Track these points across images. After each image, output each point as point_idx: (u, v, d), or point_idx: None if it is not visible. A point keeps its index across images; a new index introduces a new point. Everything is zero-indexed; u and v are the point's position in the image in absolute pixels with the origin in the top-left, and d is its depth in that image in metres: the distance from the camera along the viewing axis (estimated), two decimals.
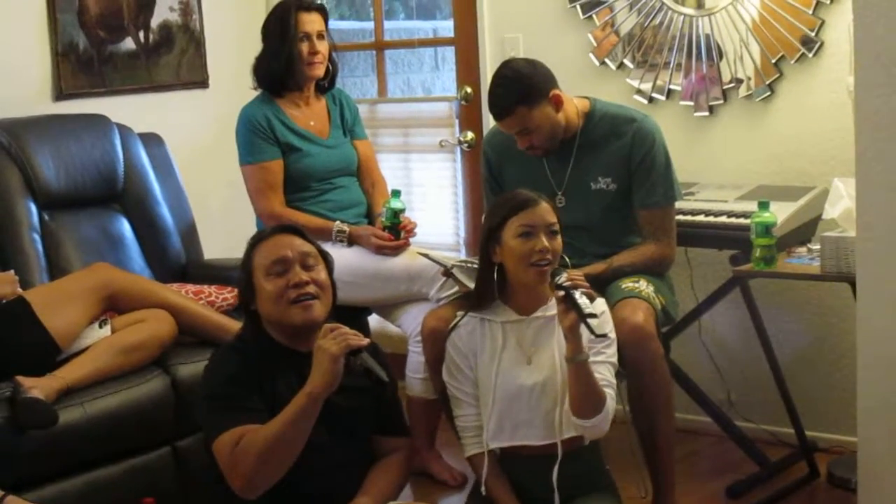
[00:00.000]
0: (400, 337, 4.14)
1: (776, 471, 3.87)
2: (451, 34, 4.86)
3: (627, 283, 3.42)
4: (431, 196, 4.97)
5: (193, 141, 4.85)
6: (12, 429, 3.10)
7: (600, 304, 3.01)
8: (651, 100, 4.22)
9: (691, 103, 4.15)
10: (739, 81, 4.04)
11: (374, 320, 4.28)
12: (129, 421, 3.36)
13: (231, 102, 4.35)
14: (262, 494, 2.72)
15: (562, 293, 2.84)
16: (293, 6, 4.09)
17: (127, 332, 3.49)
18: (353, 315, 3.92)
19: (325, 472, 2.80)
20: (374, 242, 3.96)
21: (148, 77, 4.76)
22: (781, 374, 3.87)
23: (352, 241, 4.02)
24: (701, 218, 3.77)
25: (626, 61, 4.27)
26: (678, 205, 3.66)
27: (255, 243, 2.93)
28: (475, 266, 3.27)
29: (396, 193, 4.06)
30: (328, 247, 3.72)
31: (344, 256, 3.88)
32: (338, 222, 4.04)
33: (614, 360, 3.03)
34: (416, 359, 3.87)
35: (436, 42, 6.17)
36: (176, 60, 4.85)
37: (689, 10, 4.10)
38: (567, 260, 3.08)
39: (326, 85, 4.24)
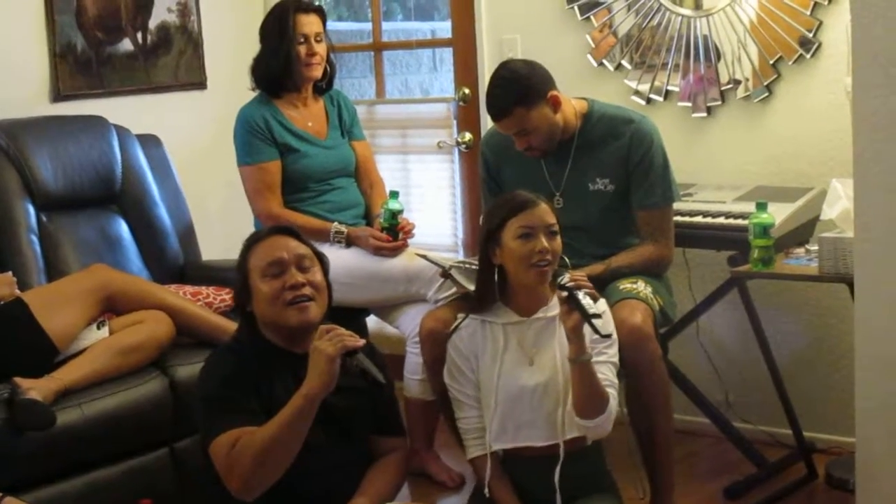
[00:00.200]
0: (398, 338, 4.13)
1: (774, 472, 3.87)
2: (449, 35, 4.86)
3: (625, 284, 3.42)
4: (429, 197, 4.97)
5: (191, 142, 4.85)
6: (10, 430, 3.10)
7: (602, 305, 3.01)
8: (649, 101, 4.22)
9: (689, 104, 4.15)
10: (737, 82, 4.04)
11: (372, 321, 4.28)
12: (127, 422, 3.36)
13: (229, 103, 4.35)
14: (259, 496, 2.72)
15: (565, 294, 2.84)
16: (291, 7, 4.09)
17: (125, 333, 3.49)
18: (351, 316, 3.92)
19: (322, 473, 2.80)
20: (372, 243, 3.96)
21: (146, 78, 4.76)
22: (779, 374, 3.87)
23: (350, 242, 4.02)
24: (699, 219, 3.77)
25: (624, 62, 4.27)
26: (676, 206, 3.66)
27: (250, 245, 2.92)
28: (473, 267, 3.27)
29: (394, 194, 4.06)
30: (326, 248, 3.73)
31: (342, 257, 3.89)
32: (336, 223, 4.04)
33: (616, 360, 3.03)
34: (414, 360, 3.87)
35: (434, 43, 6.17)
36: (174, 62, 4.85)
37: (687, 11, 4.10)
38: (567, 260, 3.07)
39: (324, 86, 4.24)
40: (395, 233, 3.98)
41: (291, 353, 2.85)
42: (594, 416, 2.88)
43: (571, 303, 2.82)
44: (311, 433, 2.70)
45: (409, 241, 4.03)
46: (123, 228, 4.16)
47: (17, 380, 3.18)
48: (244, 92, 4.22)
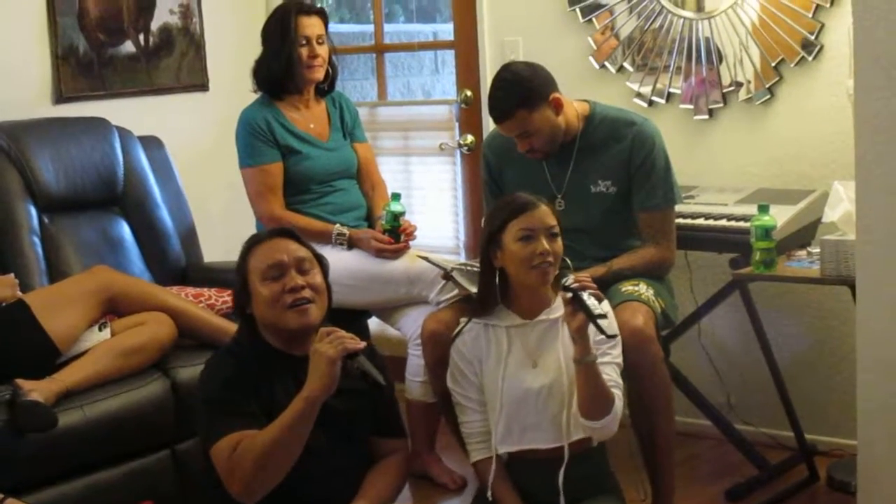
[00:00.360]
0: (399, 340, 4.14)
1: (776, 474, 3.87)
2: (451, 37, 4.86)
3: (627, 287, 3.42)
4: (431, 199, 4.97)
5: (193, 144, 4.85)
6: (11, 432, 3.10)
7: (606, 305, 3.00)
8: (651, 103, 4.22)
9: (691, 106, 4.15)
10: (739, 85, 4.04)
11: (373, 323, 4.28)
12: (128, 424, 3.36)
13: (231, 105, 4.35)
14: (266, 500, 2.71)
15: (569, 295, 2.84)
16: (293, 10, 4.09)
17: (126, 335, 3.49)
18: (352, 318, 3.92)
19: (323, 475, 2.80)
20: (373, 245, 3.96)
21: (148, 80, 4.76)
22: (781, 377, 3.87)
23: (352, 244, 4.02)
24: (701, 221, 3.77)
25: (625, 64, 4.27)
26: (678, 208, 3.66)
27: (249, 247, 2.92)
28: (475, 269, 3.27)
29: (396, 196, 4.06)
30: (328, 250, 3.74)
31: (344, 259, 3.89)
32: (338, 225, 4.04)
33: (620, 360, 3.03)
34: (415, 362, 3.87)
35: (436, 45, 6.17)
36: (176, 63, 4.85)
37: (689, 14, 4.10)
38: (568, 262, 3.07)
39: (326, 88, 4.25)
40: (396, 235, 3.98)
41: (291, 356, 2.85)
42: (600, 417, 2.88)
43: (576, 304, 2.82)
44: (311, 436, 2.70)
45: (411, 243, 4.03)
46: (125, 230, 4.17)
47: (19, 381, 3.18)
48: (246, 94, 4.23)
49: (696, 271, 4.08)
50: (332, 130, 4.23)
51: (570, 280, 2.87)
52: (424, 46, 5.93)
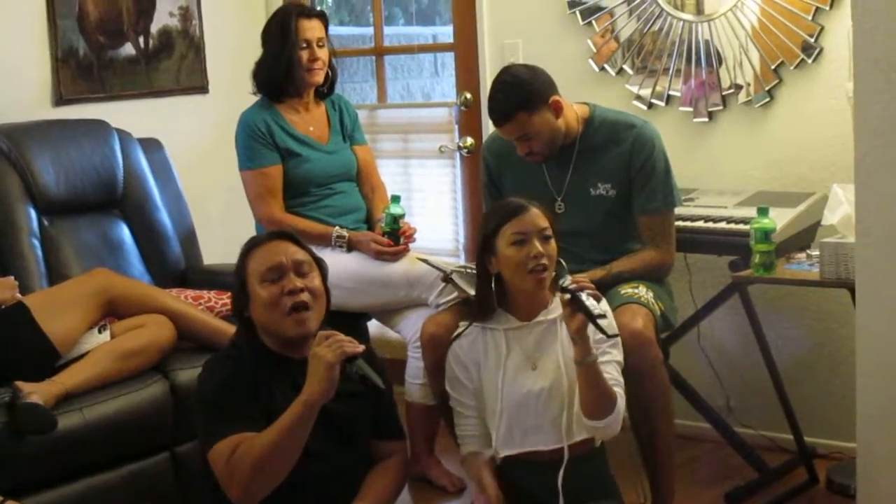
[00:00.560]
0: (399, 343, 4.13)
1: (775, 477, 3.87)
2: (451, 40, 4.86)
3: (627, 289, 3.42)
4: (431, 202, 4.97)
5: (193, 146, 4.85)
6: (11, 434, 3.10)
7: (605, 305, 2.99)
8: (650, 106, 4.22)
9: (691, 109, 4.15)
10: (739, 87, 4.04)
11: (373, 326, 4.28)
12: (128, 426, 3.36)
13: (230, 108, 4.35)
14: (260, 502, 2.71)
15: (568, 296, 2.83)
16: (294, 12, 4.10)
17: (126, 337, 3.49)
18: (352, 321, 3.92)
19: (323, 478, 2.80)
20: (373, 248, 3.96)
21: (148, 82, 4.76)
22: (780, 379, 3.87)
23: (351, 246, 4.02)
24: (700, 224, 3.77)
25: (625, 67, 4.27)
26: (677, 211, 3.66)
27: (248, 249, 2.91)
28: (474, 272, 3.27)
29: (396, 199, 4.06)
30: (328, 252, 3.74)
31: (343, 262, 3.89)
32: (337, 228, 4.04)
33: (620, 358, 3.02)
34: (415, 364, 3.87)
35: (435, 48, 6.18)
36: (175, 66, 4.85)
37: (689, 16, 4.10)
38: (563, 264, 3.06)
39: (326, 91, 4.25)
40: (396, 237, 3.98)
41: (290, 359, 2.84)
42: (603, 417, 2.87)
43: (575, 305, 2.81)
44: (311, 439, 2.70)
45: (411, 245, 4.03)
46: (125, 232, 4.17)
47: (19, 383, 3.17)
48: (246, 96, 4.23)
49: (696, 274, 4.08)
50: (332, 133, 4.23)
51: (567, 281, 2.87)
52: (424, 49, 5.93)
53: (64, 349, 3.39)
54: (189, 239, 4.41)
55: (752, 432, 4.11)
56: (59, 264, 3.93)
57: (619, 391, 2.93)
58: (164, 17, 4.78)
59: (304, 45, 4.08)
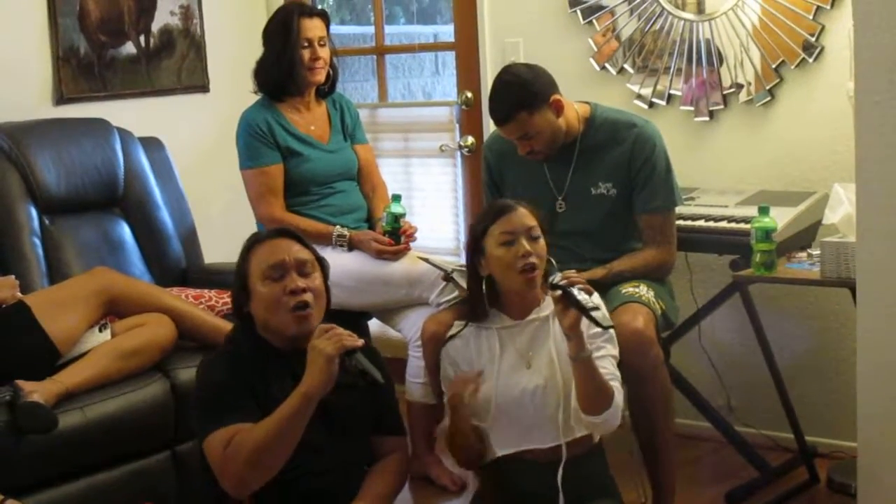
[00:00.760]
0: (400, 341, 4.14)
1: (776, 476, 3.87)
2: (452, 39, 4.86)
3: (628, 288, 3.42)
4: (432, 201, 4.97)
5: (194, 145, 4.86)
6: (12, 433, 3.10)
7: (597, 298, 2.97)
8: (651, 105, 4.22)
9: (692, 108, 4.15)
10: (740, 86, 4.04)
11: (374, 325, 4.28)
12: (128, 425, 3.36)
13: (231, 107, 4.35)
14: (264, 495, 2.71)
15: (559, 293, 2.82)
16: (295, 11, 4.10)
17: (127, 336, 3.49)
18: (352, 319, 3.92)
19: (323, 470, 2.79)
20: (374, 247, 3.96)
21: (148, 81, 4.76)
22: (781, 379, 3.87)
23: (352, 245, 4.02)
24: (701, 223, 3.77)
25: (626, 66, 4.27)
26: (678, 210, 3.66)
27: (250, 246, 2.91)
28: None
29: (397, 198, 4.06)
30: (328, 251, 3.74)
31: (344, 261, 3.89)
32: (338, 227, 4.04)
33: (616, 352, 3.01)
34: (416, 363, 3.87)
35: (436, 47, 6.19)
36: (176, 65, 4.85)
37: (690, 16, 4.10)
38: (553, 262, 3.05)
39: (327, 90, 4.25)
40: (397, 236, 3.98)
41: (289, 352, 2.84)
42: (601, 412, 2.86)
43: (567, 300, 2.80)
44: (312, 431, 2.69)
45: (412, 244, 4.03)
46: (126, 231, 4.17)
47: (19, 382, 3.17)
48: (247, 95, 4.23)
49: (697, 273, 4.08)
50: (333, 132, 4.23)
51: (557, 278, 2.85)
52: (425, 48, 5.94)
53: (65, 348, 3.39)
54: (190, 238, 4.41)
55: (752, 431, 4.11)
56: (60, 263, 3.93)
57: (616, 385, 2.92)
58: (165, 15, 4.79)
59: (306, 44, 4.08)
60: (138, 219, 4.21)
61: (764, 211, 3.45)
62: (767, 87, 3.98)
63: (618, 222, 3.59)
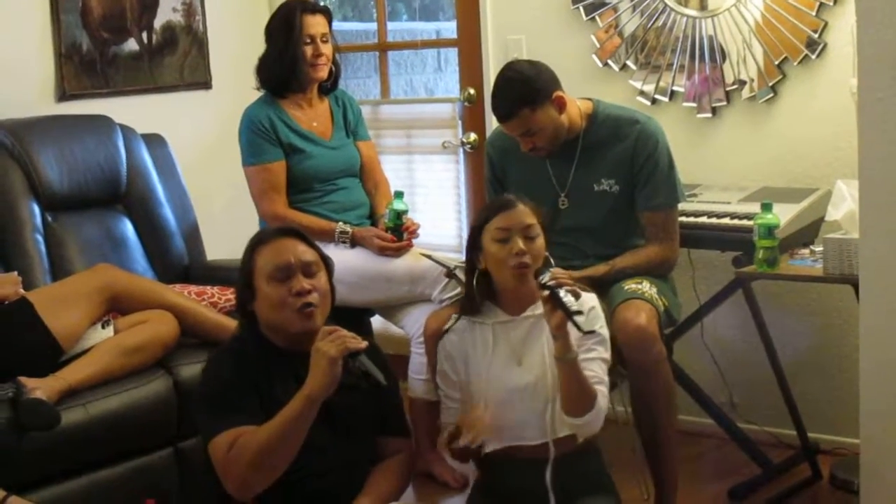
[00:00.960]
0: (402, 338, 4.14)
1: (778, 473, 3.87)
2: (455, 35, 4.86)
3: (630, 285, 3.42)
4: (434, 197, 4.97)
5: (196, 142, 4.86)
6: (15, 429, 3.10)
7: (590, 300, 2.97)
8: (654, 101, 4.22)
9: (694, 105, 4.15)
10: (743, 83, 4.04)
11: (376, 321, 4.28)
12: (131, 422, 3.36)
13: (234, 103, 4.35)
14: (267, 496, 2.71)
15: (546, 293, 2.82)
16: (298, 8, 4.09)
17: (129, 333, 3.49)
18: (355, 316, 3.92)
19: (326, 470, 2.79)
20: (376, 244, 3.96)
21: (151, 78, 4.76)
22: (784, 375, 3.87)
23: (355, 242, 4.02)
24: (704, 219, 3.77)
25: (629, 63, 4.27)
26: (681, 206, 3.66)
27: (255, 245, 2.90)
28: None
29: (399, 195, 4.06)
30: (331, 248, 3.74)
31: (347, 258, 3.89)
32: (341, 223, 4.04)
33: (606, 356, 2.99)
34: (418, 360, 3.88)
35: (439, 43, 6.17)
36: (179, 61, 4.85)
37: (693, 12, 4.09)
38: (551, 260, 3.04)
39: (329, 86, 4.25)
40: (399, 233, 3.98)
41: (293, 353, 2.84)
42: (582, 414, 2.84)
43: (553, 301, 2.80)
44: (316, 432, 2.69)
45: (414, 241, 4.03)
46: (128, 228, 4.17)
47: (22, 379, 3.18)
48: (249, 92, 4.23)
49: (699, 269, 4.08)
50: (335, 129, 4.23)
51: (546, 278, 2.84)
52: (427, 44, 5.92)
53: (67, 345, 3.39)
54: (192, 235, 4.41)
55: (755, 428, 4.11)
56: (63, 260, 3.93)
57: (602, 389, 2.90)
58: (167, 12, 4.79)
59: (308, 40, 4.08)
60: (141, 215, 4.21)
61: (767, 207, 3.45)
62: (770, 84, 3.97)
63: (620, 219, 3.59)
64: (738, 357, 4.17)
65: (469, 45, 4.72)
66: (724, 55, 4.05)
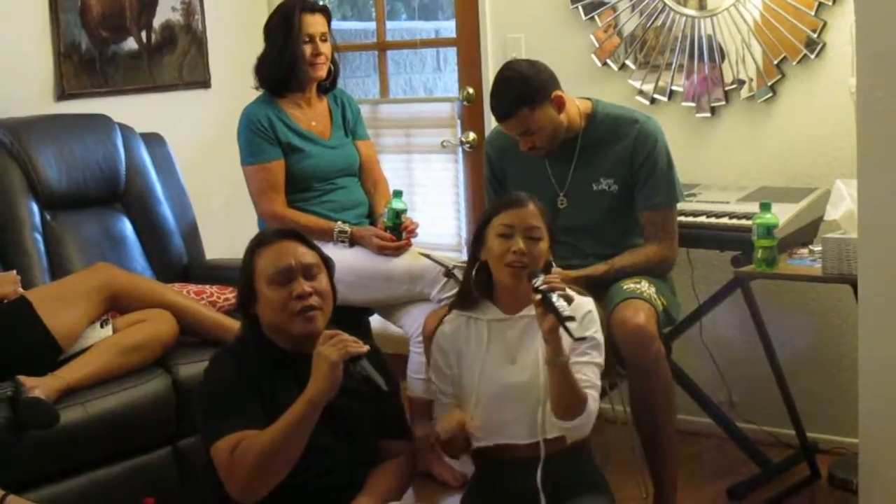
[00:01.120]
0: (401, 337, 4.14)
1: (777, 472, 3.87)
2: (453, 35, 4.86)
3: (629, 284, 3.42)
4: (433, 196, 4.97)
5: (195, 141, 4.86)
6: (13, 428, 3.09)
7: (585, 305, 2.96)
8: (653, 101, 4.22)
9: (693, 104, 4.15)
10: (741, 83, 4.04)
11: (375, 321, 4.28)
12: (130, 421, 3.36)
13: (233, 102, 4.35)
14: (269, 496, 2.70)
15: (539, 297, 2.81)
16: (297, 7, 4.09)
17: (128, 332, 3.49)
18: (354, 316, 3.92)
19: (330, 473, 2.79)
20: (375, 243, 3.96)
21: (150, 77, 4.76)
22: (783, 375, 3.87)
23: (354, 241, 4.02)
24: (703, 219, 3.77)
25: (628, 62, 4.27)
26: (680, 206, 3.66)
27: (255, 247, 2.89)
28: None
29: (398, 194, 4.06)
30: (330, 247, 3.74)
31: (346, 257, 3.89)
32: (339, 223, 4.04)
33: (600, 360, 2.96)
34: (417, 359, 3.88)
35: (438, 43, 6.17)
36: (178, 60, 4.85)
37: (692, 12, 4.10)
38: (552, 264, 3.04)
39: (328, 85, 4.25)
40: (398, 232, 3.98)
41: (295, 356, 2.83)
42: (571, 418, 2.83)
43: (545, 305, 2.79)
44: (318, 434, 2.69)
45: (413, 240, 4.03)
46: (127, 227, 4.17)
47: (21, 378, 3.18)
48: (248, 91, 4.22)
49: (698, 269, 4.08)
50: (334, 128, 4.23)
51: (538, 282, 2.83)
52: (426, 44, 5.92)
53: (66, 344, 3.39)
54: (191, 234, 4.41)
55: (754, 427, 4.11)
56: (62, 259, 3.93)
57: (593, 393, 2.88)
58: (166, 11, 4.79)
59: (307, 39, 4.07)
60: (140, 214, 4.21)
61: (765, 207, 3.45)
62: (769, 84, 3.98)
63: (619, 218, 3.59)
64: (737, 356, 4.17)
65: (468, 44, 4.72)
66: (723, 55, 4.05)
